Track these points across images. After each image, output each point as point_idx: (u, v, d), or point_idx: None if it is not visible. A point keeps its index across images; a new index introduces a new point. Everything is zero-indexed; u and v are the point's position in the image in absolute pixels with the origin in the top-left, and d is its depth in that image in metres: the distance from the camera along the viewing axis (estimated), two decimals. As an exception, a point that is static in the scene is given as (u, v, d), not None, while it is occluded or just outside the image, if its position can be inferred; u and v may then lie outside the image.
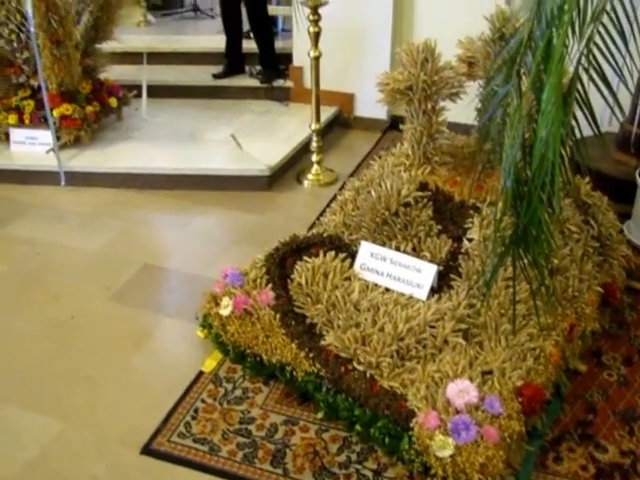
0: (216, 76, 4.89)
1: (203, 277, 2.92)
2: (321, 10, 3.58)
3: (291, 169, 3.99)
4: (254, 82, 4.84)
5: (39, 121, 3.96)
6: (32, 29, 3.51)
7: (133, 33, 5.51)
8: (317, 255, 2.52)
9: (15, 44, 3.83)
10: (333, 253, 2.53)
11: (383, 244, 2.55)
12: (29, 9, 3.47)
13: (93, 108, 4.02)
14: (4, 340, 2.65)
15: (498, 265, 1.87)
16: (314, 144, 3.88)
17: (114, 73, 4.44)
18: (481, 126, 2.01)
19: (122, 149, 4.04)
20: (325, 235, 2.65)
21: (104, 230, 3.44)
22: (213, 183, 3.75)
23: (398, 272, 2.42)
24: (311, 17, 3.59)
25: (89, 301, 2.87)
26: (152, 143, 4.09)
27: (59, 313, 2.79)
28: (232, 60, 4.93)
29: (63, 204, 3.72)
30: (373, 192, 2.64)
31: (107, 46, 4.32)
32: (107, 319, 2.76)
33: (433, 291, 2.38)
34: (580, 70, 1.69)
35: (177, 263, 3.15)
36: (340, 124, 4.67)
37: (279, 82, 4.82)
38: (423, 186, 2.69)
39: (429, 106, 2.75)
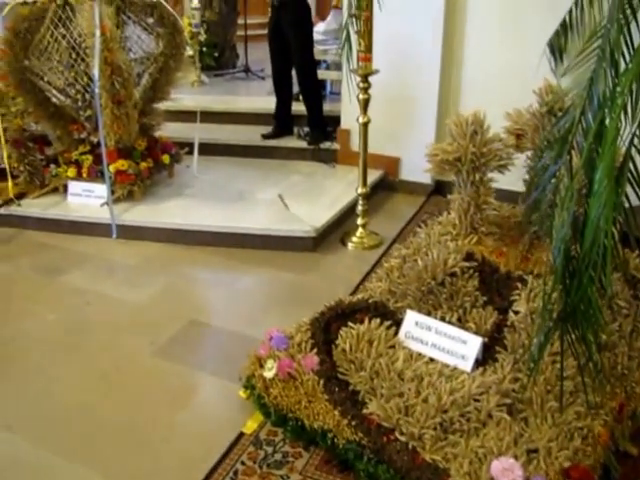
0: (265, 136, 5.04)
1: (246, 336, 2.94)
2: (371, 78, 3.69)
3: (336, 231, 4.04)
4: (302, 143, 4.97)
5: (96, 175, 4.13)
6: (97, 90, 3.70)
7: (187, 92, 5.74)
8: (362, 321, 2.53)
9: (80, 103, 4.05)
10: (378, 320, 2.54)
11: (428, 313, 2.56)
12: (96, 72, 3.67)
13: (147, 164, 4.18)
14: (49, 388, 2.70)
15: (546, 340, 1.85)
16: (360, 207, 3.93)
17: (168, 130, 4.62)
18: (530, 199, 2.04)
19: (172, 205, 4.16)
20: (370, 301, 2.67)
21: (152, 284, 3.52)
22: (259, 242, 3.82)
23: (443, 342, 2.42)
24: (361, 85, 3.69)
25: (134, 355, 2.92)
26: (202, 200, 4.21)
27: (104, 365, 2.85)
28: (281, 121, 5.08)
29: (114, 256, 3.83)
30: (420, 260, 2.67)
31: (163, 105, 4.52)
32: (150, 374, 2.80)
33: (478, 363, 2.36)
34: (633, 151, 1.71)
35: (221, 321, 3.19)
36: (385, 187, 4.73)
37: (326, 144, 4.93)
38: (469, 256, 2.71)
39: (477, 177, 2.79)
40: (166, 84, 4.33)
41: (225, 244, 3.84)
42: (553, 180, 1.87)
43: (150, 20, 4.24)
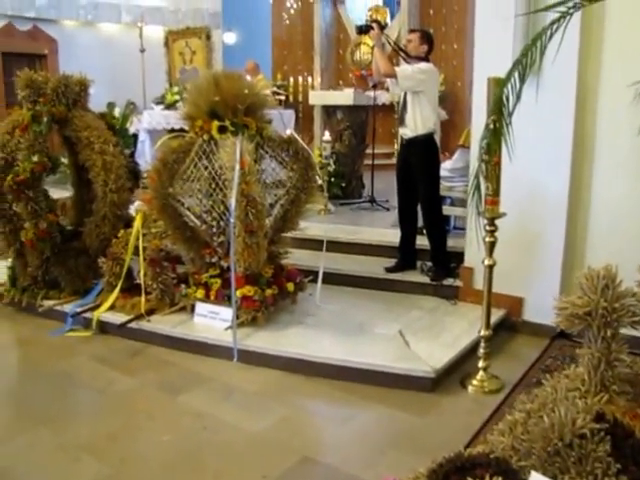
0: (388, 269, 5.09)
1: (359, 479, 2.86)
2: (497, 220, 3.68)
3: (455, 372, 3.93)
4: (424, 278, 4.97)
5: (223, 298, 4.30)
6: (232, 220, 3.93)
7: (314, 220, 5.92)
8: (483, 478, 2.40)
9: (215, 229, 4.31)
10: (500, 479, 2.40)
11: (554, 477, 2.39)
12: (233, 203, 3.91)
13: (272, 291, 4.31)
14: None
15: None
16: (481, 350, 3.83)
17: (293, 258, 4.77)
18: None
19: (294, 333, 4.23)
20: (492, 457, 2.53)
21: (268, 413, 3.53)
22: (377, 379, 3.77)
23: (571, 514, 2.23)
24: (488, 227, 3.70)
25: (245, 486, 2.90)
26: (322, 331, 4.25)
27: (215, 495, 2.84)
28: (405, 255, 5.13)
29: (233, 380, 3.89)
30: (545, 417, 2.52)
31: (290, 233, 4.70)
32: (260, 509, 2.76)
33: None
34: None
35: (335, 460, 3.11)
36: (507, 327, 4.59)
37: (449, 281, 4.90)
38: (600, 417, 2.53)
39: (608, 333, 2.66)
40: (296, 215, 4.53)
41: (343, 377, 3.83)
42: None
43: (285, 155, 4.51)
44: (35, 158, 4.64)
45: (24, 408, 3.68)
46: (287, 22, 12.35)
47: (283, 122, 8.59)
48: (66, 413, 3.59)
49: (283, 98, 10.88)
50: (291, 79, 12.18)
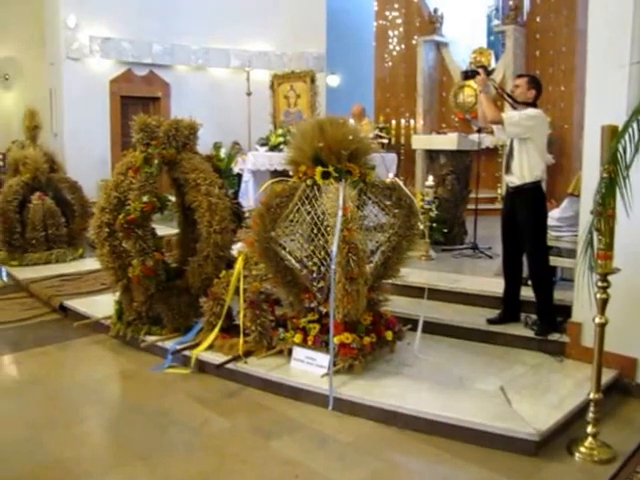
0: (491, 321, 4.91)
1: None
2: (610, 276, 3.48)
3: (561, 435, 3.68)
4: (528, 332, 4.75)
5: (320, 344, 4.26)
6: (333, 266, 3.92)
7: (414, 267, 5.84)
8: None
9: (315, 274, 4.31)
10: None
11: None
12: (334, 249, 3.90)
13: (370, 339, 4.24)
14: None
15: None
16: (591, 414, 3.58)
17: (392, 305, 4.69)
18: None
19: (390, 384, 4.12)
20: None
21: (360, 466, 3.43)
22: (475, 437, 3.60)
23: None
24: (600, 284, 3.50)
25: None
26: (420, 382, 4.12)
27: None
28: (508, 307, 4.94)
29: (327, 429, 3.83)
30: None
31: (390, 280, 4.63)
32: None
33: None
34: None
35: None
36: (619, 390, 4.29)
37: (554, 336, 4.66)
38: None
39: None
40: (397, 262, 4.46)
41: (439, 433, 3.69)
42: None
43: (388, 201, 4.47)
44: (145, 198, 4.82)
45: (123, 441, 3.78)
46: (390, 64, 12.47)
47: (385, 166, 8.61)
48: (161, 450, 3.64)
49: (386, 141, 10.91)
50: (393, 121, 12.22)
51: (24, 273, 7.59)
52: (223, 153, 11.33)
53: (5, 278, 7.87)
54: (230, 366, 4.47)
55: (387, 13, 12.44)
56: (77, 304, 6.11)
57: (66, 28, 11.26)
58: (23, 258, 8.01)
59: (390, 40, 12.41)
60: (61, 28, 11.27)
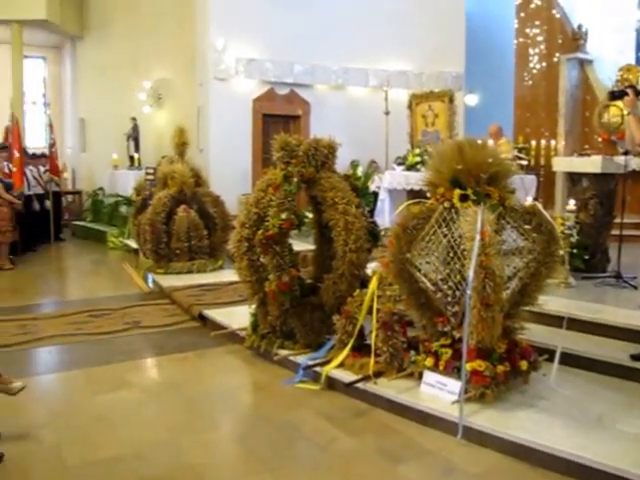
0: (635, 357, 4.61)
1: None
2: None
3: None
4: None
5: (452, 370, 4.18)
6: (469, 291, 3.84)
7: (553, 294, 5.58)
8: None
9: (449, 298, 4.23)
10: None
11: None
12: (471, 274, 3.83)
13: (504, 368, 4.10)
14: None
15: None
16: None
17: (527, 333, 4.50)
18: None
19: (523, 416, 3.96)
20: None
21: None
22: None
23: None
24: None
25: None
26: (555, 417, 3.93)
27: None
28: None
29: (454, 458, 3.74)
30: None
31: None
32: None
33: None
34: None
35: None
36: None
37: None
38: None
39: None
40: (535, 290, 4.30)
41: (574, 474, 3.46)
42: None
43: (527, 226, 4.33)
44: (284, 215, 4.97)
45: (252, 452, 3.88)
46: (530, 83, 12.14)
47: (524, 188, 8.39)
48: (288, 464, 3.71)
49: (525, 163, 10.58)
50: (533, 142, 11.86)
51: (168, 281, 8.07)
52: (360, 171, 11.47)
53: (151, 284, 8.40)
54: (359, 385, 4.49)
55: (528, 30, 12.14)
56: (215, 314, 6.41)
57: (214, 51, 11.90)
58: (168, 267, 8.52)
59: (531, 58, 12.09)
60: (210, 51, 11.93)
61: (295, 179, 5.13)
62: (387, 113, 11.26)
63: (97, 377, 5.07)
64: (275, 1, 12.05)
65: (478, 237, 3.93)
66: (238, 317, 5.96)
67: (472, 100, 14.48)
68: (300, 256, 5.66)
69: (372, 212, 9.24)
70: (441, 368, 4.25)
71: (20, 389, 4.07)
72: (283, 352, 5.15)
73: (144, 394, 4.76)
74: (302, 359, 4.96)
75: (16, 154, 10.67)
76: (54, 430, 4.13)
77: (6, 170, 10.65)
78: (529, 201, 5.07)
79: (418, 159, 9.48)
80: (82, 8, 14.86)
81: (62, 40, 15.64)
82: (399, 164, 10.27)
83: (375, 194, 10.20)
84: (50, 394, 4.86)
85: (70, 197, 15.13)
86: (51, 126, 13.33)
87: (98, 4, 14.77)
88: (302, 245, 6.85)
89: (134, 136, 13.93)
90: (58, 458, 3.76)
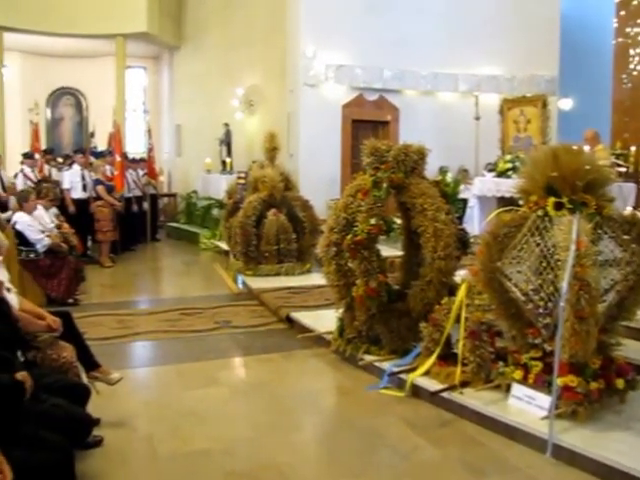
0: None
1: None
2: None
3: None
4: None
5: (542, 384, 4.05)
6: (562, 304, 3.71)
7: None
8: None
9: (541, 310, 4.09)
10: None
11: None
12: (564, 285, 3.70)
13: (598, 385, 3.94)
14: None
15: None
16: None
17: (625, 350, 4.32)
18: None
19: (618, 438, 3.76)
20: None
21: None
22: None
23: None
24: None
25: None
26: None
27: None
28: None
29: (542, 476, 3.61)
30: None
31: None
32: None
33: None
34: None
35: None
36: None
37: None
38: None
39: None
40: (634, 304, 4.12)
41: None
42: None
43: (626, 237, 4.15)
44: (372, 221, 4.98)
45: (335, 454, 3.91)
46: (629, 85, 11.63)
47: (623, 197, 8.03)
48: (370, 470, 3.70)
49: (624, 170, 10.15)
50: (632, 148, 11.35)
51: (257, 282, 8.22)
52: (449, 177, 11.33)
53: (241, 285, 8.59)
54: (445, 395, 4.43)
55: (628, 30, 11.65)
56: (302, 316, 6.47)
57: (305, 57, 12.03)
58: (257, 269, 8.68)
59: (631, 59, 11.60)
60: (300, 58, 12.07)
61: (384, 185, 5.13)
62: (477, 118, 11.07)
63: (188, 373, 5.24)
64: (365, 7, 12.06)
65: (573, 247, 3.80)
66: (324, 321, 5.99)
67: (566, 104, 13.97)
68: (388, 262, 5.63)
69: (461, 219, 9.11)
70: (530, 381, 4.12)
71: (118, 380, 4.29)
72: (368, 357, 5.15)
73: (232, 392, 4.88)
74: (387, 365, 4.94)
75: (117, 158, 11.23)
76: (147, 420, 4.32)
77: (108, 174, 11.18)
78: (628, 210, 4.85)
79: (509, 165, 9.27)
80: (179, 20, 15.48)
81: (160, 51, 16.31)
82: (489, 171, 10.08)
83: (464, 201, 10.05)
84: (144, 386, 5.07)
85: (166, 199, 15.73)
86: (149, 132, 13.90)
87: (194, 16, 15.33)
88: (390, 251, 6.81)
89: (226, 141, 14.31)
90: (151, 447, 3.93)
